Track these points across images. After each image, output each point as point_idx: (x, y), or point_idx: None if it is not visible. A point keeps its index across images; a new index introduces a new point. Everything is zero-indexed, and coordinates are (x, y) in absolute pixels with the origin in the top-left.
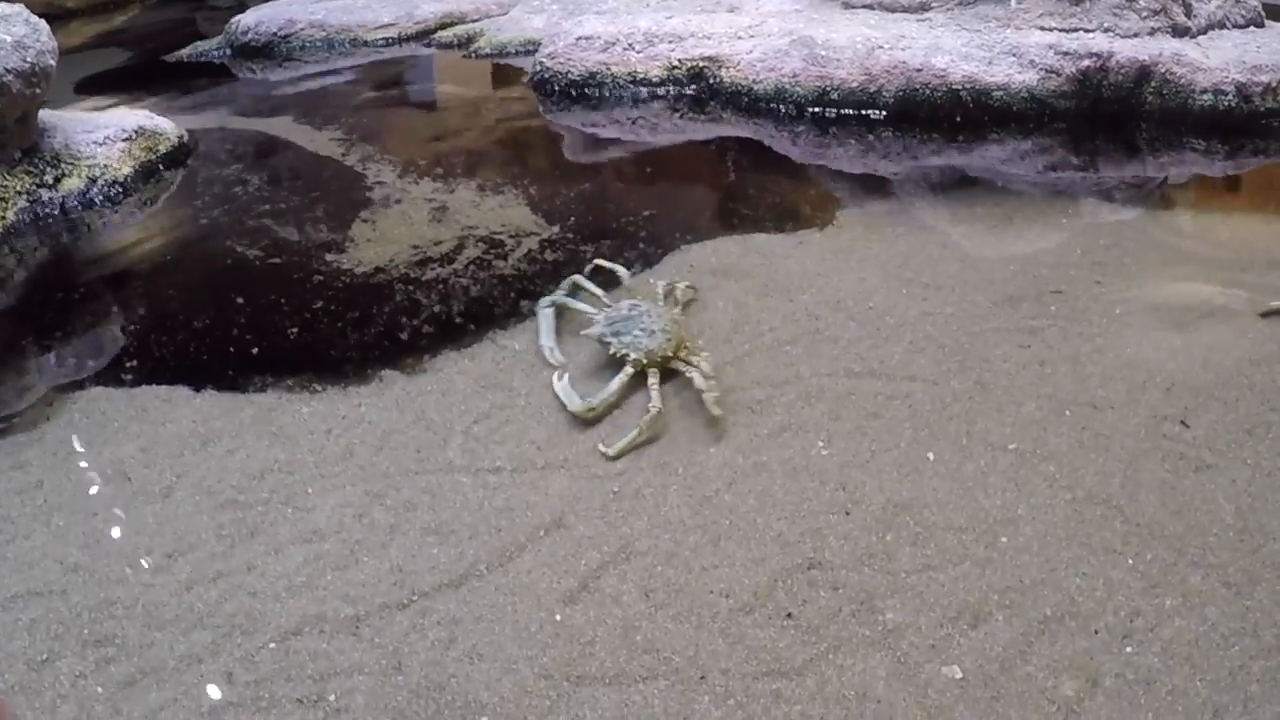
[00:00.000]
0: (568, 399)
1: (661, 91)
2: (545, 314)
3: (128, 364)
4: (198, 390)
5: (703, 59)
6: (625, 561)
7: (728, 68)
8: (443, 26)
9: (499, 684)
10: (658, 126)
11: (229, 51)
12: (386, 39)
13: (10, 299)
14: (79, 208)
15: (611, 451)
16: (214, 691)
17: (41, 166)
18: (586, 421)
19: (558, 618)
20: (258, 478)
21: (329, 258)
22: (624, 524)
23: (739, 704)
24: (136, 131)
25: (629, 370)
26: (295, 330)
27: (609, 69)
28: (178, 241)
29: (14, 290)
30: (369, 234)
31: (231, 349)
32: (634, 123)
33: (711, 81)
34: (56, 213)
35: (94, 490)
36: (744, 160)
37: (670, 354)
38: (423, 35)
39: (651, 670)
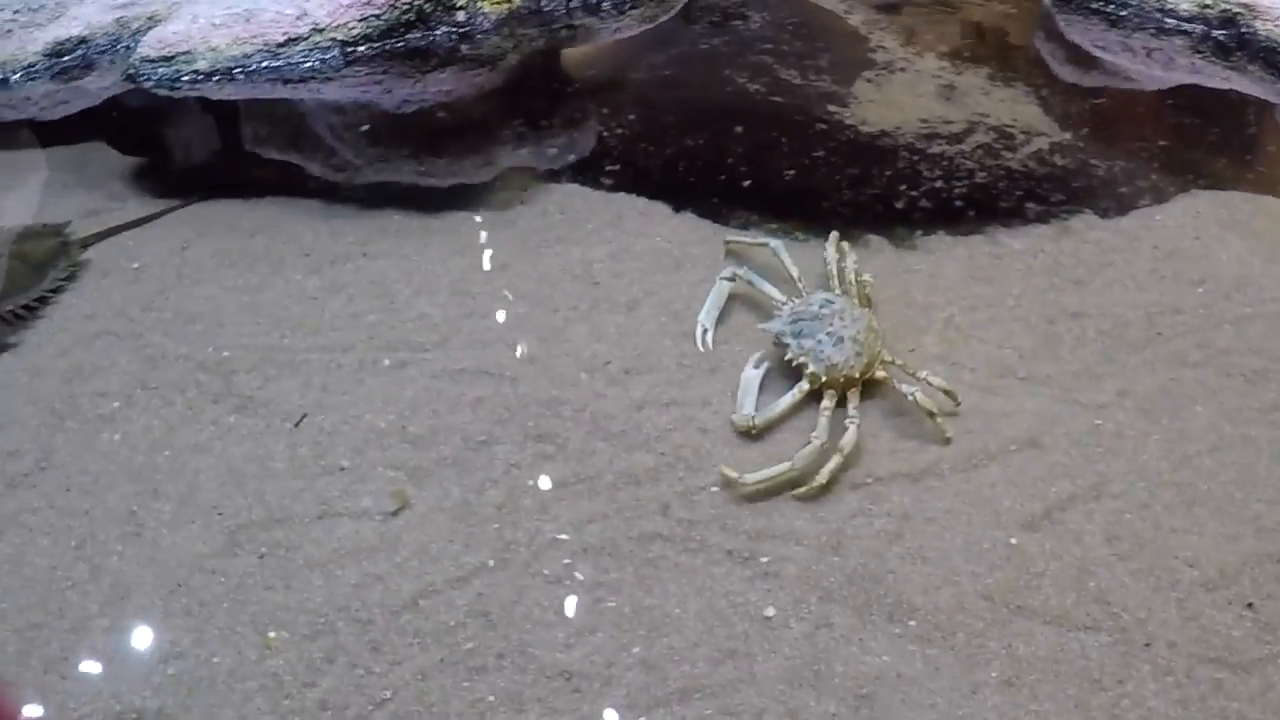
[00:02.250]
0: (742, 400)
1: (1188, 28)
2: (720, 286)
3: (609, 168)
4: (677, 210)
5: (1238, 4)
6: (1095, 500)
7: (1264, 19)
8: None
9: (937, 592)
10: (1172, 62)
11: None
12: None
13: (501, 80)
14: (581, 10)
15: (748, 482)
16: (646, 518)
17: None
18: (744, 434)
19: (1012, 541)
20: (724, 313)
21: (831, 109)
22: (1101, 461)
23: (1177, 683)
24: None
25: (803, 385)
26: (791, 173)
27: None
28: (677, 59)
29: (508, 72)
30: (873, 95)
31: (720, 177)
32: (1149, 54)
33: (1243, 30)
34: (561, 10)
35: (560, 286)
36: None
37: (856, 374)
38: None
39: (1096, 622)
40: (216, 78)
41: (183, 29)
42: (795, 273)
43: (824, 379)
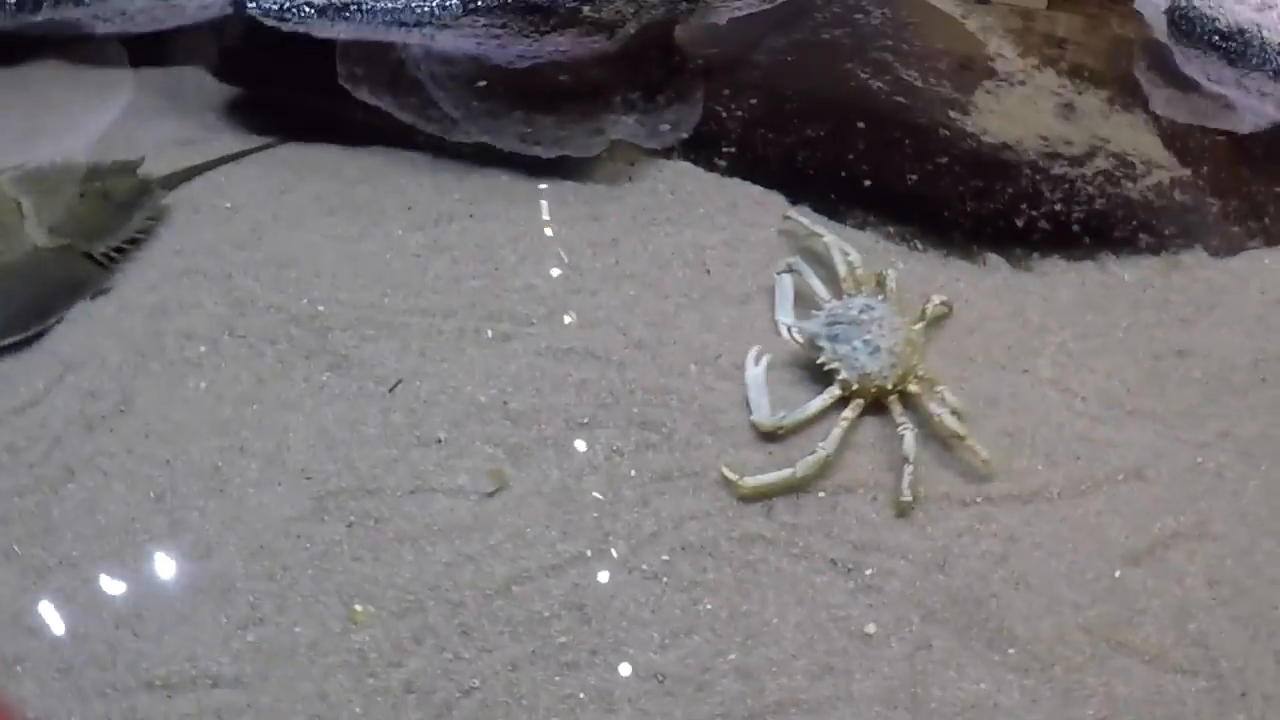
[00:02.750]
0: (756, 402)
1: None
2: (783, 281)
3: (724, 150)
4: (794, 203)
5: None
6: (1197, 540)
7: None
8: None
9: (1038, 621)
10: None
11: None
12: None
13: (617, 48)
14: None
15: (746, 485)
16: (748, 518)
17: None
18: (767, 436)
19: (1116, 574)
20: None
21: (953, 115)
22: (1202, 499)
23: None
24: None
25: (835, 391)
26: (913, 178)
27: (1260, 30)
28: (797, 46)
29: (625, 40)
30: (993, 106)
31: (840, 173)
32: (1263, 95)
33: None
34: None
35: (670, 271)
36: None
37: (889, 386)
38: None
39: (1193, 665)
40: (329, 14)
41: None
42: (843, 272)
43: (855, 387)
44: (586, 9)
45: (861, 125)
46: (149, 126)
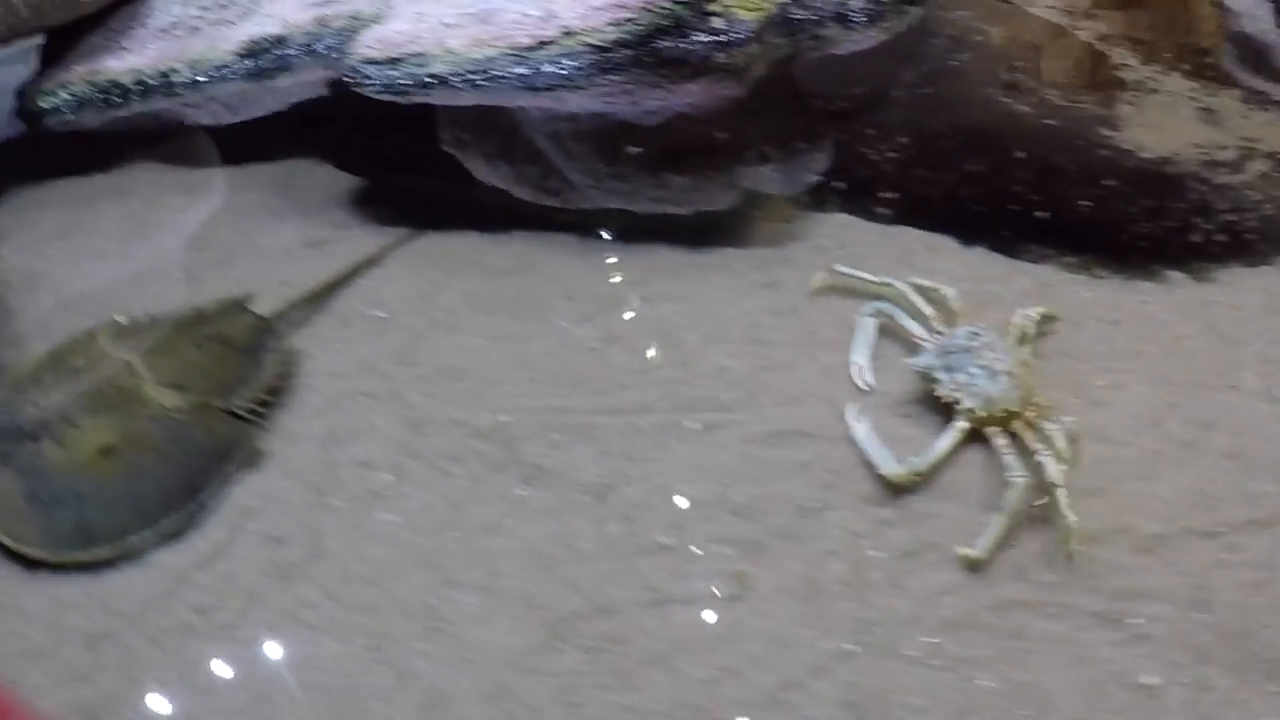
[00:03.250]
0: (878, 457)
1: None
2: (865, 324)
3: (882, 196)
4: (965, 244)
5: None
6: None
7: None
8: None
9: None
10: None
11: None
12: None
13: (745, 92)
14: (832, 20)
15: (979, 553)
16: (1001, 584)
17: None
18: (903, 488)
19: None
20: (1044, 358)
21: (1105, 133)
22: None
23: None
24: None
25: (961, 424)
26: (1084, 204)
27: None
28: (930, 76)
29: (752, 84)
30: (1138, 118)
31: (1009, 207)
32: None
33: None
34: (812, 18)
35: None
36: None
37: (1015, 408)
38: None
39: None
40: (455, 83)
41: (408, 28)
42: (929, 310)
43: (982, 414)
44: (720, 55)
45: (1021, 155)
46: (270, 229)
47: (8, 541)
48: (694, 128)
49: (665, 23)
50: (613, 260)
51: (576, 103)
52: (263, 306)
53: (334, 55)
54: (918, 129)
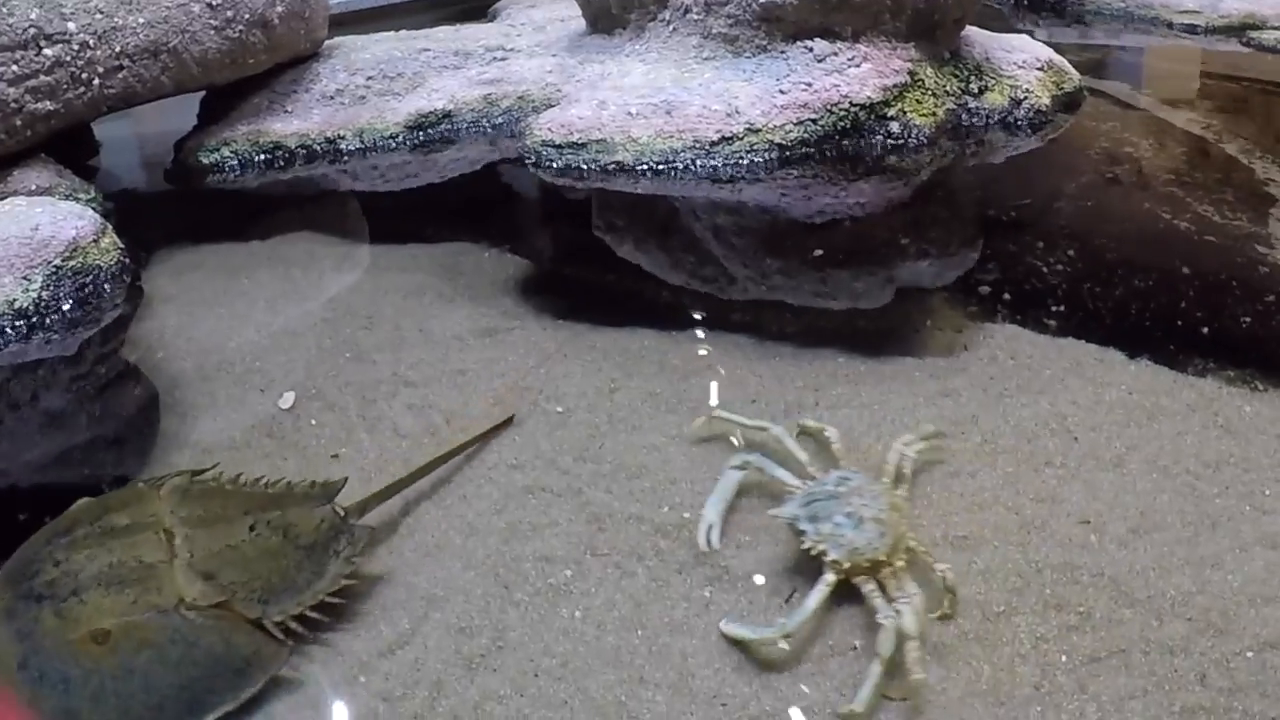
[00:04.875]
0: (745, 631)
1: None
2: (729, 476)
3: (1052, 309)
4: (1132, 358)
5: None
6: None
7: None
8: (1246, 27)
9: None
10: None
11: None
12: (1190, 25)
13: (910, 195)
14: (998, 126)
15: (859, 707)
16: (1184, 690)
17: (966, 74)
18: (768, 660)
19: None
20: (1213, 467)
21: (1261, 249)
22: None
23: None
24: (1047, 64)
25: (829, 578)
26: (1245, 319)
27: None
28: (1089, 188)
29: (917, 187)
30: None
31: (1176, 322)
32: None
33: None
34: (980, 124)
35: (1039, 441)
36: None
37: (884, 557)
38: (1227, 30)
39: None
40: (638, 171)
41: (590, 115)
42: (804, 457)
43: (847, 566)
44: (892, 158)
45: (1185, 270)
46: (439, 314)
47: None
48: (858, 227)
49: (845, 124)
50: (792, 367)
51: (752, 195)
52: (351, 494)
53: (501, 134)
54: (1083, 241)
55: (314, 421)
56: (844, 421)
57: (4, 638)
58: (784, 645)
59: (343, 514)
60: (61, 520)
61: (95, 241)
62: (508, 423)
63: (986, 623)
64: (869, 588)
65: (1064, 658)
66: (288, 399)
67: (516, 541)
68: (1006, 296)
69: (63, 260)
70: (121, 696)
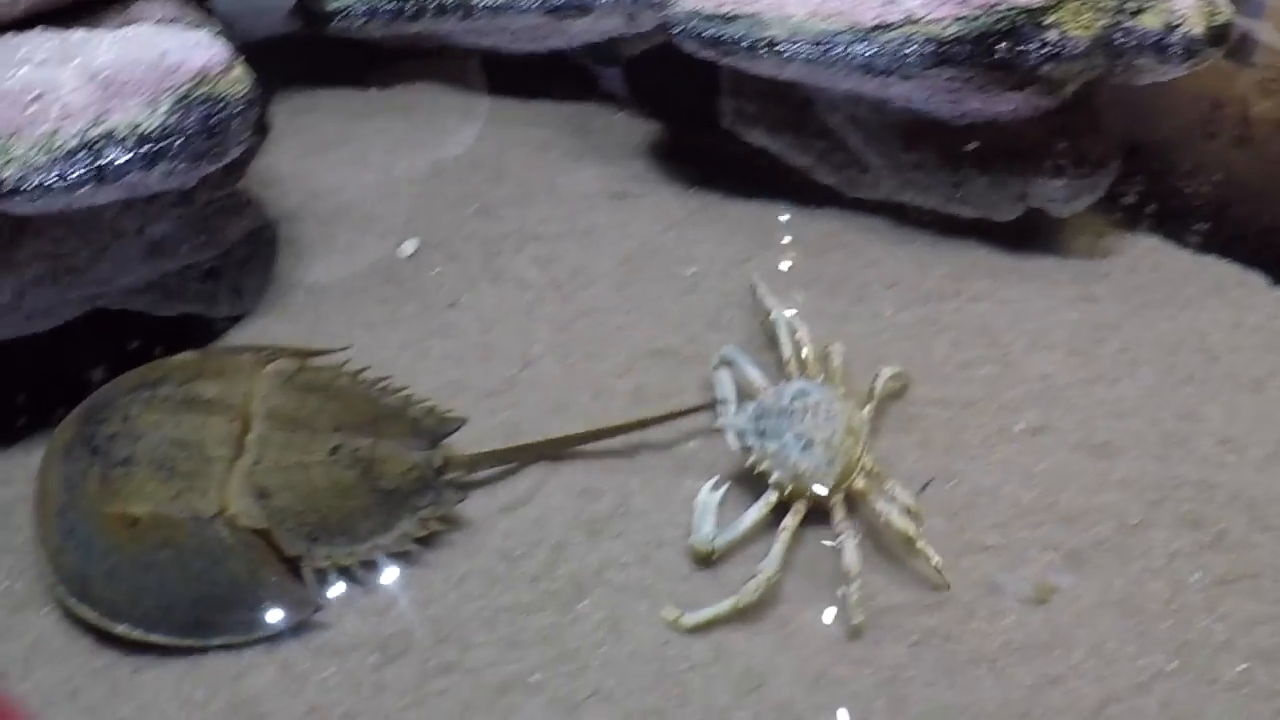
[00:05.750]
0: (699, 522)
1: None
2: (719, 375)
3: (1194, 227)
4: (1275, 283)
5: None
6: None
7: None
8: None
9: None
10: None
11: None
12: None
13: (1055, 107)
14: (1151, 50)
15: (688, 622)
16: None
17: None
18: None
19: None
20: None
21: None
22: None
23: None
24: None
25: (770, 497)
26: None
27: None
28: (1239, 121)
29: (1063, 101)
30: None
31: None
32: None
33: None
34: (1133, 44)
35: (1180, 356)
36: None
37: (830, 484)
38: None
39: None
40: (787, 51)
41: None
42: (787, 354)
43: (789, 489)
44: (1047, 67)
45: None
46: (568, 171)
47: (48, 568)
48: (998, 135)
49: (1003, 26)
50: (931, 253)
51: (900, 92)
52: (462, 441)
53: (641, 6)
54: (1230, 168)
55: (436, 270)
56: (983, 313)
57: (57, 477)
58: (714, 551)
59: (440, 466)
60: (154, 368)
61: (225, 71)
62: (699, 409)
63: (1121, 533)
64: (786, 522)
65: (1196, 576)
66: (409, 246)
67: (643, 406)
68: (1150, 209)
69: (192, 87)
70: (133, 585)
